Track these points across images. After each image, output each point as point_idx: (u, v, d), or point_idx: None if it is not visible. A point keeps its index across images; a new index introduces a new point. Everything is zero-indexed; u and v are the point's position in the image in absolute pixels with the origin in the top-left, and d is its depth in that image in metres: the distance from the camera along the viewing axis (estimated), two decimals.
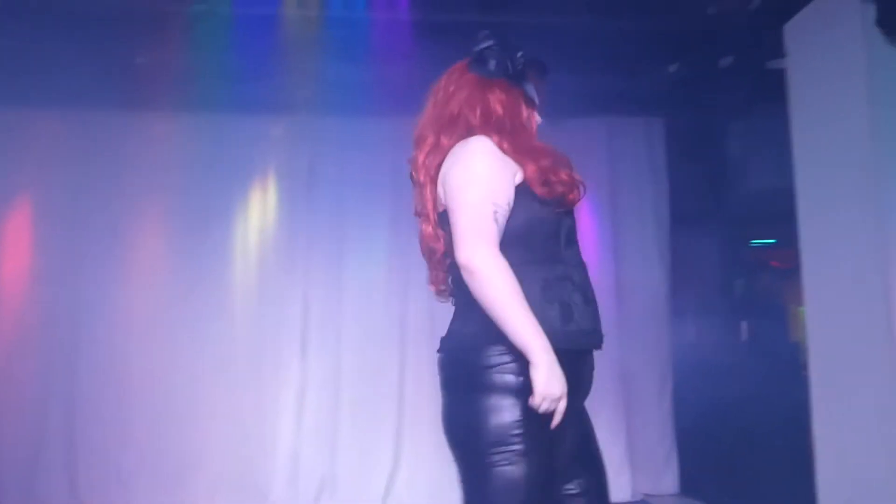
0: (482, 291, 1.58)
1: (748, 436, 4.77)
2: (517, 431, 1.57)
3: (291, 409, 4.68)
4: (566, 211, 1.72)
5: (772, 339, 5.52)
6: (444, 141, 1.76)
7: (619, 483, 4.75)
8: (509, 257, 1.60)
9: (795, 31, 3.18)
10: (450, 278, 1.81)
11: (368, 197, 4.83)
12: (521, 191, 1.67)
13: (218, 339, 4.70)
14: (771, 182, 3.99)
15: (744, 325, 5.48)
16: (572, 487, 1.74)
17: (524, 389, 1.56)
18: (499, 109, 1.77)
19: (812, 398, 2.93)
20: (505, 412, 1.58)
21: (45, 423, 4.54)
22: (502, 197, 1.64)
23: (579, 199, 1.74)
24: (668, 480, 4.93)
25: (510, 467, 1.56)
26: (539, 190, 1.66)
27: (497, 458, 1.57)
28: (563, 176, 1.70)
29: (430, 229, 1.79)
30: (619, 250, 5.03)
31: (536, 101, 1.84)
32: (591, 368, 1.80)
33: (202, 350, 4.67)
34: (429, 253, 1.85)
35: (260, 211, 4.89)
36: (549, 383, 1.54)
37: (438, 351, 1.76)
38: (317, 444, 4.67)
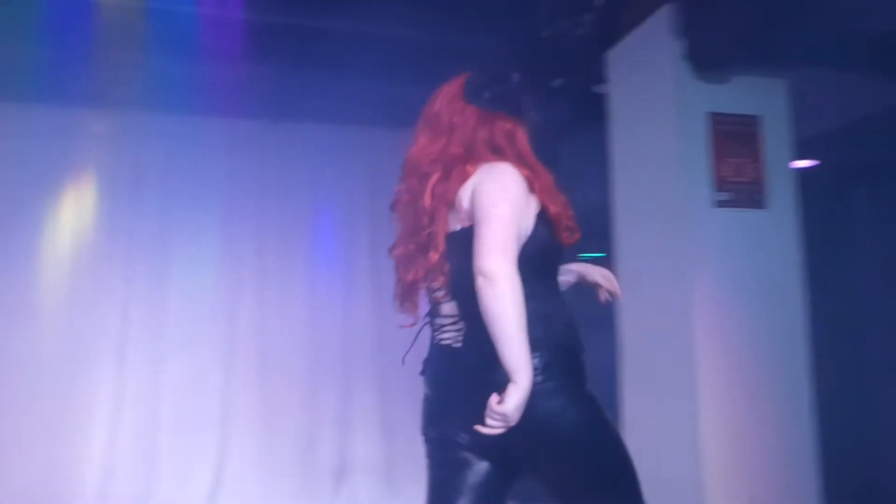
0: (495, 301, 1.59)
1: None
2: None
3: (105, 422, 4.38)
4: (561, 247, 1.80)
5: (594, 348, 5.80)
6: (469, 168, 1.77)
7: None
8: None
9: (617, 58, 3.37)
10: (456, 301, 1.79)
11: (197, 200, 4.63)
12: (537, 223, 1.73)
13: (24, 348, 4.30)
14: (595, 198, 4.22)
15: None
16: None
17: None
18: (520, 143, 1.82)
19: (623, 407, 3.12)
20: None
21: None
22: (523, 223, 1.71)
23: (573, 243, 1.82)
24: None
25: None
26: (561, 232, 1.76)
27: None
28: (571, 220, 1.80)
29: (435, 258, 1.76)
30: None
31: (534, 129, 1.89)
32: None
33: (4, 360, 4.26)
34: (423, 281, 1.83)
35: (76, 210, 4.53)
36: (519, 408, 1.58)
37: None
38: (132, 459, 4.39)
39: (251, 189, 4.77)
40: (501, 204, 1.67)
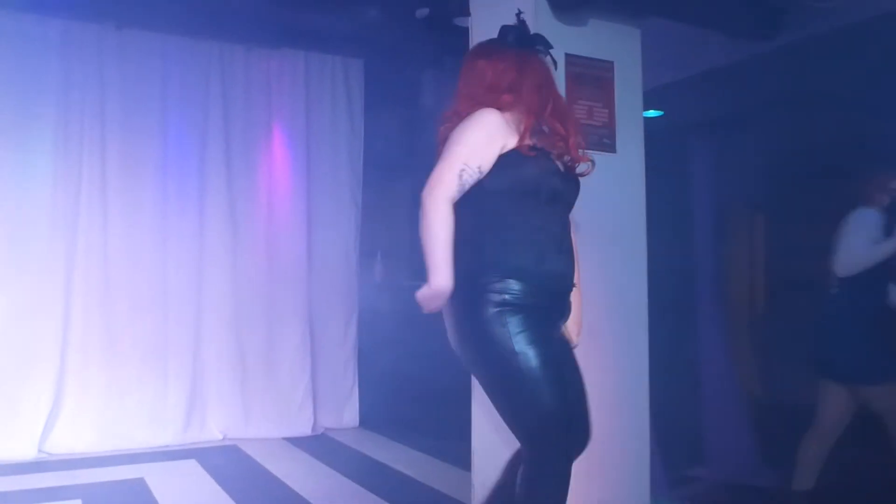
0: (425, 231, 1.92)
1: (422, 376, 5.13)
2: None
3: None
4: (553, 172, 2.02)
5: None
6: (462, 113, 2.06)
7: (300, 418, 4.84)
8: (496, 205, 1.98)
9: None
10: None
11: (29, 103, 4.24)
12: (511, 155, 1.98)
13: None
14: None
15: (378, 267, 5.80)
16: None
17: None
18: (542, 80, 2.08)
19: None
20: None
21: None
22: (475, 161, 1.95)
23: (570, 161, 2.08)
24: (349, 415, 5.11)
25: None
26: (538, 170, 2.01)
27: None
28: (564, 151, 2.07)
29: None
30: (312, 189, 5.00)
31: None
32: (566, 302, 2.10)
33: None
34: None
35: None
36: (426, 300, 1.94)
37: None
38: None
39: (88, 98, 4.41)
40: (450, 146, 1.97)
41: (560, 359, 2.00)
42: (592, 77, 2.97)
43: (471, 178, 1.95)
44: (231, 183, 4.79)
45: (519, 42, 2.12)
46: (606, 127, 3.01)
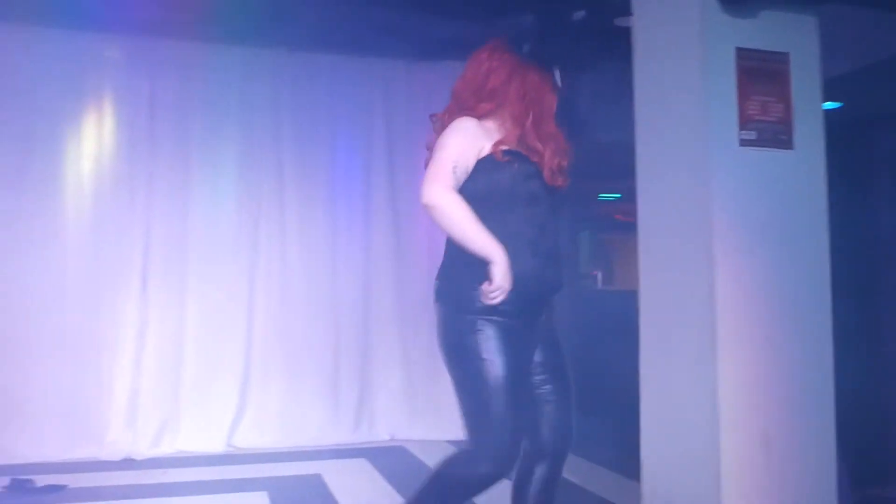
0: (443, 222, 2.00)
1: (586, 384, 5.06)
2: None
3: (131, 345, 4.46)
4: (530, 176, 2.08)
5: (613, 289, 5.84)
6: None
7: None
8: (474, 211, 2.00)
9: None
10: None
11: (215, 127, 4.63)
12: (486, 160, 2.06)
13: (48, 270, 4.36)
14: (619, 137, 4.16)
15: (599, 275, 5.75)
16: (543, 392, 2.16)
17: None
18: (530, 90, 2.13)
19: (641, 345, 3.12)
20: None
21: None
22: (462, 161, 2.03)
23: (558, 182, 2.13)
24: None
25: None
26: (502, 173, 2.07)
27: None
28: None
29: None
30: None
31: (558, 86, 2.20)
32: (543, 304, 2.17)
33: (29, 282, 4.32)
34: None
35: (95, 135, 4.53)
36: (504, 277, 1.94)
37: None
38: (159, 383, 4.50)
39: (266, 119, 4.74)
40: (439, 149, 2.05)
41: (526, 365, 2.12)
42: (766, 71, 2.83)
43: (462, 175, 2.04)
44: (395, 194, 4.98)
45: (530, 52, 2.21)
46: (782, 122, 2.86)
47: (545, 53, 2.23)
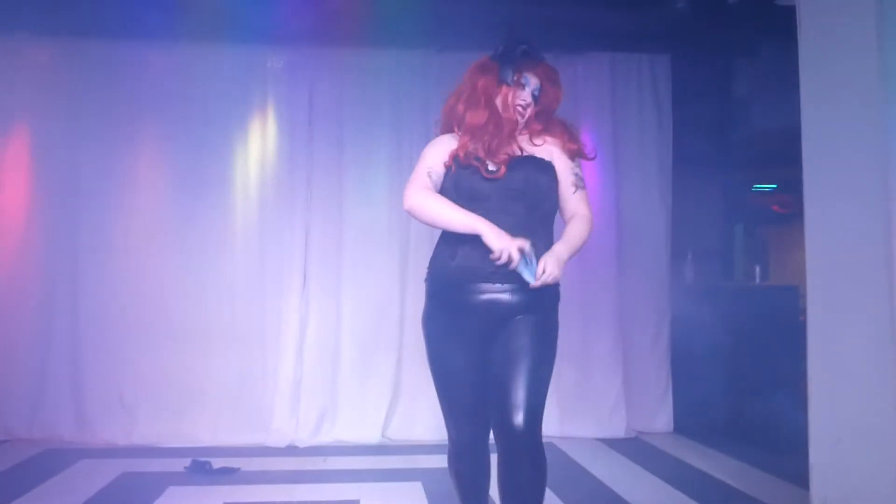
0: (423, 217, 2.24)
1: (743, 379, 4.83)
2: None
3: (293, 339, 4.72)
4: (472, 173, 2.22)
5: (770, 284, 5.53)
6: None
7: (613, 420, 4.85)
8: None
9: None
10: None
11: (368, 130, 4.80)
12: (448, 167, 2.28)
13: (219, 268, 4.73)
14: (776, 124, 3.93)
15: (757, 270, 5.47)
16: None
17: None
18: (467, 90, 2.39)
19: (809, 343, 2.94)
20: None
21: (48, 352, 4.61)
22: (435, 169, 2.28)
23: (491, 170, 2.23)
24: (662, 419, 5.01)
25: None
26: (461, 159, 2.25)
27: None
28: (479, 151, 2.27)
29: None
30: (621, 190, 5.00)
31: (511, 81, 2.32)
32: (483, 296, 2.23)
33: (204, 279, 4.70)
34: None
35: (260, 142, 4.84)
36: (498, 241, 2.08)
37: None
38: (318, 375, 4.74)
39: (416, 119, 4.86)
40: (416, 164, 2.32)
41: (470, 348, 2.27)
42: None
43: (437, 180, 2.27)
44: None
45: (499, 57, 2.34)
46: None
47: (505, 56, 2.33)
